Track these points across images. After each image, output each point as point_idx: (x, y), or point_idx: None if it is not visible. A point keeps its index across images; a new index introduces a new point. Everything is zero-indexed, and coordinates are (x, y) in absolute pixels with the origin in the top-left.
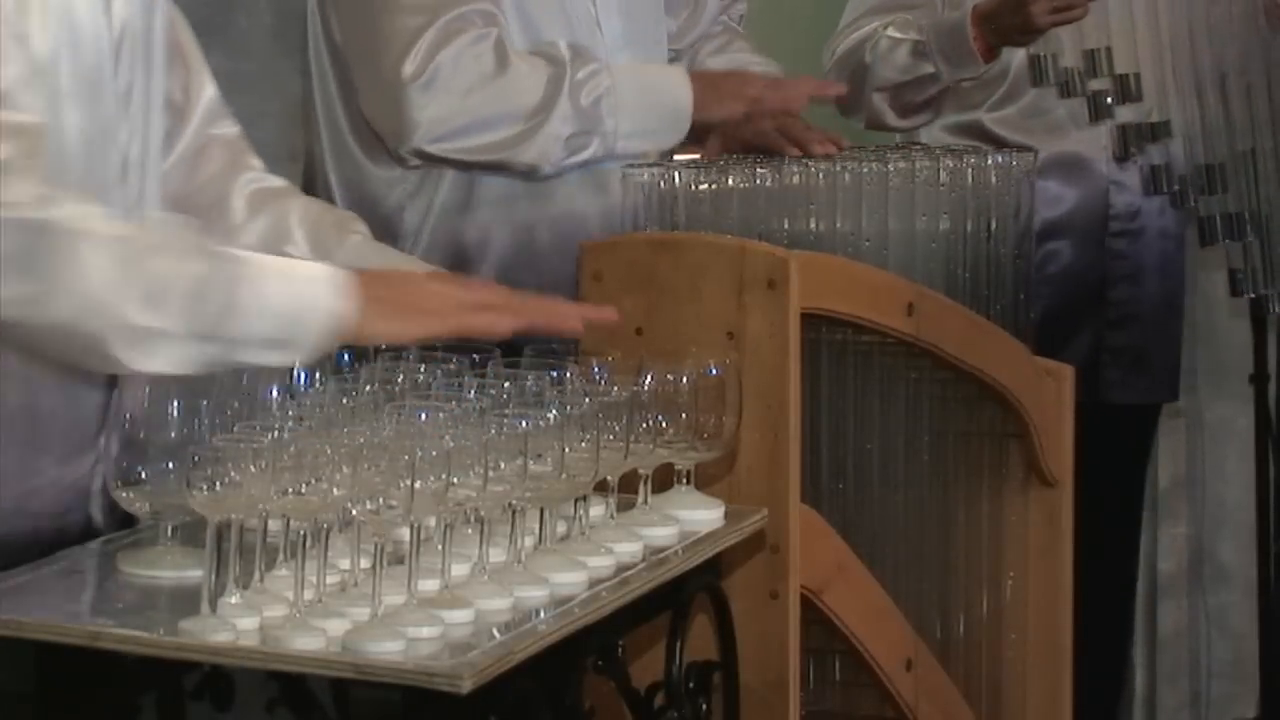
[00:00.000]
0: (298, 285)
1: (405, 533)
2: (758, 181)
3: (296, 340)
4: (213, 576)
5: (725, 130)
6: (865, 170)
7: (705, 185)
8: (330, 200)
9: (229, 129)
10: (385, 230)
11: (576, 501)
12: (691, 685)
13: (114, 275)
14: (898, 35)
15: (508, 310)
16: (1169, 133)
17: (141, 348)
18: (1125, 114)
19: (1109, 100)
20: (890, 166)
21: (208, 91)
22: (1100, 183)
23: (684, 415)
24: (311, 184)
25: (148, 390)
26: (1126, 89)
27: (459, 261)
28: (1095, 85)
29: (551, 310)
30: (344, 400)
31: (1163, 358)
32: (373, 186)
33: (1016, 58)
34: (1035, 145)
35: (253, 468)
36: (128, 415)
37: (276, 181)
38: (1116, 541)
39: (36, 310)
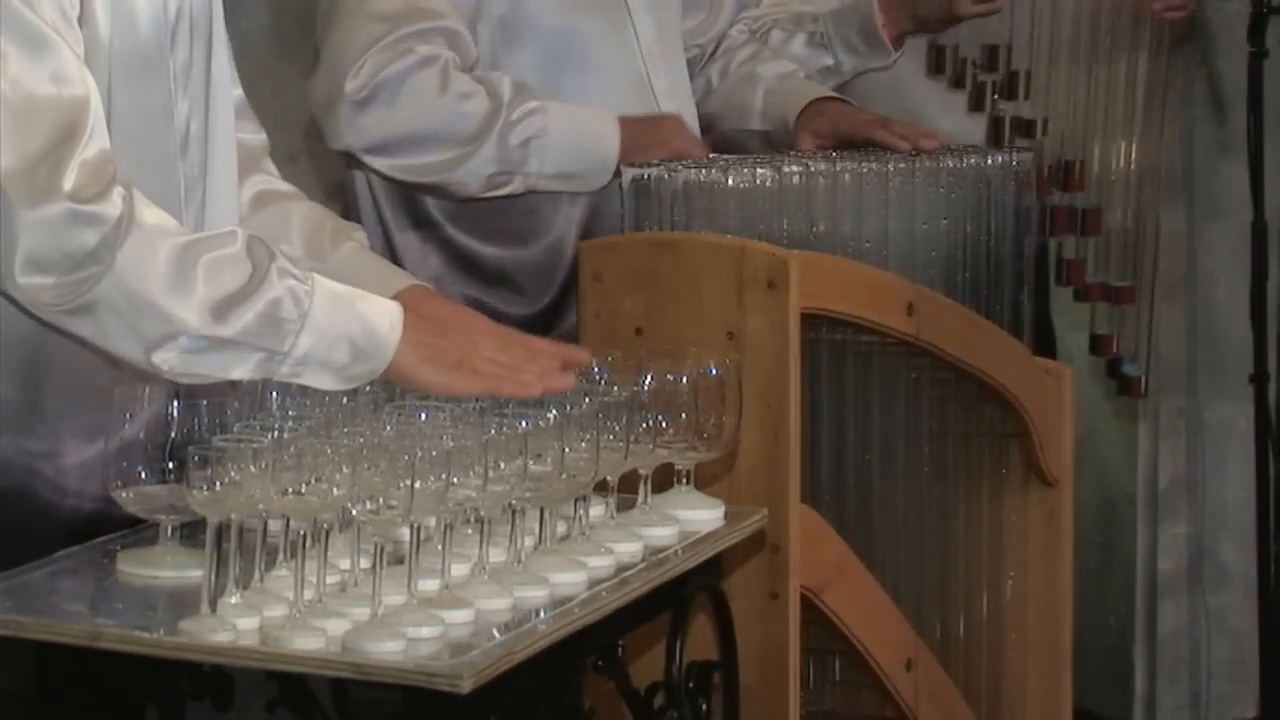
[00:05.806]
0: (358, 310)
1: (405, 533)
2: (758, 181)
3: (346, 370)
4: (213, 576)
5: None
6: (865, 170)
7: (705, 185)
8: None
9: (252, 135)
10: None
11: (576, 501)
12: (691, 685)
13: (181, 280)
14: (790, 29)
15: (536, 376)
16: (1044, 131)
17: (190, 353)
18: (1006, 108)
19: (995, 95)
20: (890, 167)
21: (233, 91)
22: None
23: (684, 415)
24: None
25: (147, 390)
26: (1015, 87)
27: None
28: (984, 79)
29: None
30: (344, 400)
31: None
32: None
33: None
34: None
35: (253, 468)
36: (128, 415)
37: (285, 186)
38: None
39: (102, 307)
